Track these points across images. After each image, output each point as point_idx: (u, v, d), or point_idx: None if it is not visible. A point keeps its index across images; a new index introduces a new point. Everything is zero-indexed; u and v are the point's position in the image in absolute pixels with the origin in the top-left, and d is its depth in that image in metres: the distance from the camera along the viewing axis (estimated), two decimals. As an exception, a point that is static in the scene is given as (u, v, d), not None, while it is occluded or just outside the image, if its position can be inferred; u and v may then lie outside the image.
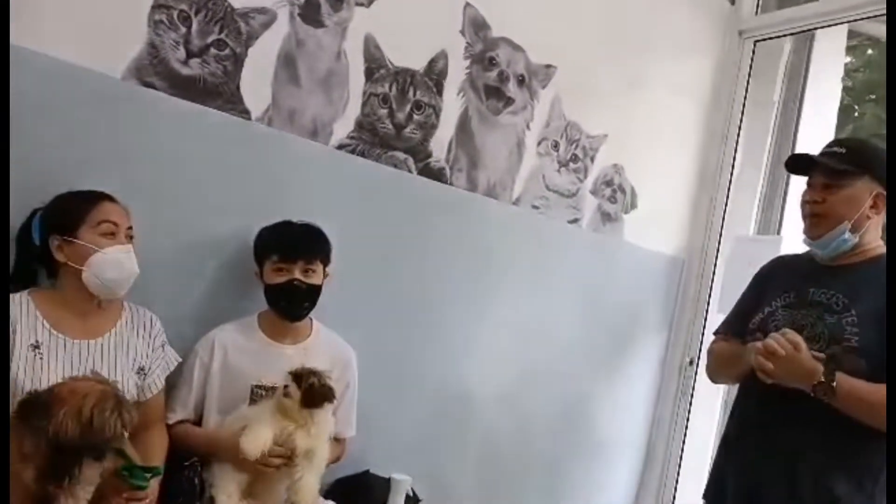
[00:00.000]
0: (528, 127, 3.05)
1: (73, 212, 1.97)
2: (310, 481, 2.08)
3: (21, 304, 1.93)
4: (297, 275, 2.24)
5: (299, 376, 2.04)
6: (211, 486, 2.08)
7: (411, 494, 2.51)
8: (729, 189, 3.61)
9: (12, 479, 1.66)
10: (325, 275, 2.33)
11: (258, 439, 2.00)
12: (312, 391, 2.04)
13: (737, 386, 2.27)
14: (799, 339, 1.93)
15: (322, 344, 2.38)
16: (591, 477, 3.45)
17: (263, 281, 2.27)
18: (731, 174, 3.61)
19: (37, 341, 1.90)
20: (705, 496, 2.27)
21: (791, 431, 2.01)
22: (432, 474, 2.80)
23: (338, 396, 2.17)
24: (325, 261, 2.33)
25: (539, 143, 3.10)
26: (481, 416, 3.03)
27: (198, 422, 2.24)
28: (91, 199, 1.99)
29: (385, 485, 2.48)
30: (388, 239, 2.73)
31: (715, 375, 2.40)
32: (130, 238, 2.03)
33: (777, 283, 2.21)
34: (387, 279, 2.74)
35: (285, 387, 2.04)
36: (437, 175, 2.83)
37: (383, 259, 2.73)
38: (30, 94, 2.03)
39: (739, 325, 2.24)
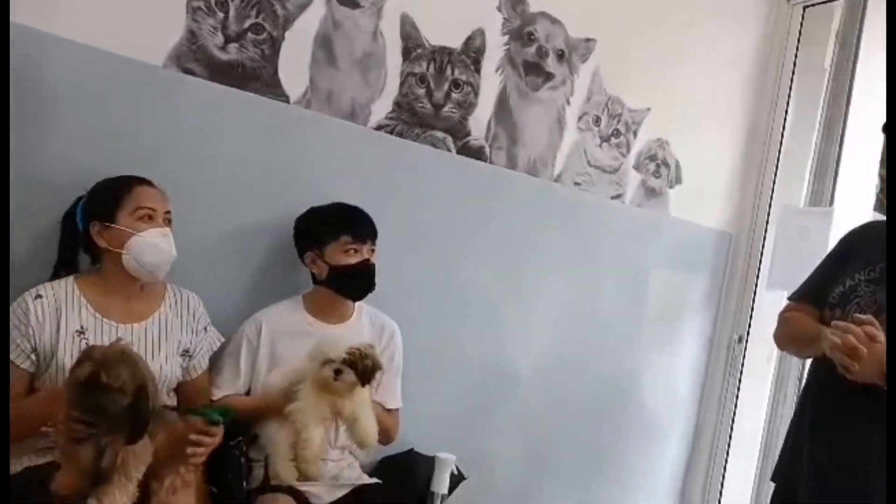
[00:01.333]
0: (568, 102, 3.01)
1: (110, 198, 2.01)
2: (365, 423, 2.11)
3: (66, 290, 1.98)
4: (367, 255, 2.27)
5: (353, 362, 2.04)
6: (266, 455, 2.12)
7: (455, 473, 2.51)
8: (778, 160, 3.50)
9: (65, 462, 1.72)
10: None
11: (314, 444, 2.04)
12: (367, 372, 2.07)
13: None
14: (876, 330, 1.76)
15: (365, 321, 2.41)
16: (638, 457, 3.42)
17: (326, 262, 2.28)
18: (780, 145, 3.50)
19: (82, 327, 1.95)
20: (774, 478, 2.16)
21: (865, 419, 1.86)
22: (476, 453, 2.81)
23: (387, 368, 2.21)
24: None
25: (580, 119, 3.05)
26: (525, 394, 3.02)
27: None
28: (128, 185, 2.03)
29: (429, 463, 2.49)
30: (429, 219, 2.74)
31: (784, 346, 2.26)
32: (169, 222, 2.07)
33: (863, 253, 2.01)
34: (428, 258, 2.75)
35: (337, 371, 2.04)
36: (476, 153, 2.81)
37: (424, 239, 2.73)
38: (70, 83, 2.08)
39: (818, 293, 2.06)
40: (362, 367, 2.05)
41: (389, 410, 2.40)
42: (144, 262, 1.99)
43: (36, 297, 1.93)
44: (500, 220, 2.89)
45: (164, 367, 2.03)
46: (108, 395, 1.65)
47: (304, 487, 2.12)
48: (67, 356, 1.90)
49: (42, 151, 2.07)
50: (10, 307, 1.91)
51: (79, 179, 2.04)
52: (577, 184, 3.07)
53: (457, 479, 2.54)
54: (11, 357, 1.88)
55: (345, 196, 2.39)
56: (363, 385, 2.07)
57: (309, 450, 2.04)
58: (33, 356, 1.90)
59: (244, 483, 2.05)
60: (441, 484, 2.45)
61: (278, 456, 2.09)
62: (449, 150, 2.75)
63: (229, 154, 2.35)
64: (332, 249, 2.29)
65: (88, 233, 2.00)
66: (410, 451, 2.60)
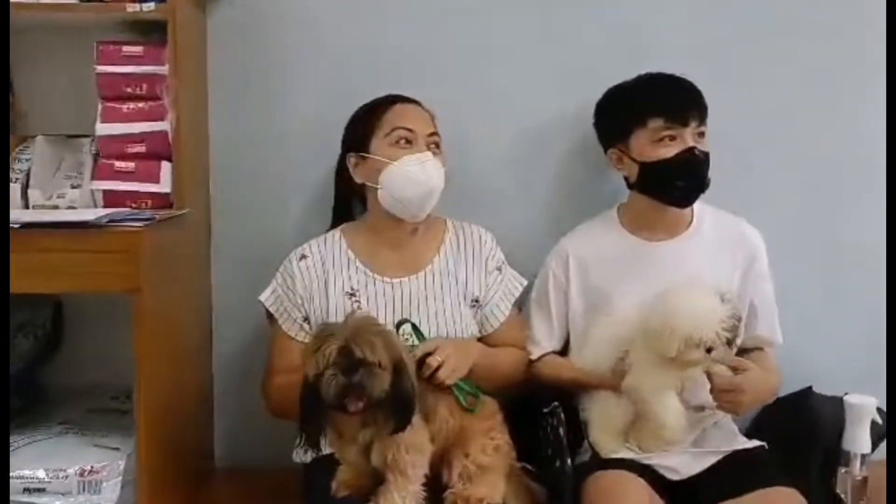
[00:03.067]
0: None
1: (363, 121, 1.68)
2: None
3: (333, 245, 1.70)
4: (691, 142, 1.65)
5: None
6: (585, 421, 1.69)
7: (879, 423, 1.76)
8: None
9: (342, 458, 1.45)
10: None
11: (678, 424, 1.57)
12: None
13: None
14: None
15: (709, 232, 1.76)
16: None
17: (634, 159, 1.70)
18: None
19: (352, 288, 1.65)
20: None
21: None
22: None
23: (758, 296, 1.74)
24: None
25: None
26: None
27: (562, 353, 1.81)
28: (381, 105, 1.68)
29: (837, 409, 1.77)
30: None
31: None
32: (436, 146, 1.66)
33: None
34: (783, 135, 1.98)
35: (709, 350, 1.51)
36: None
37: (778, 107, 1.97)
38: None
39: None
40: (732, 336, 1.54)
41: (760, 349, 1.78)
42: (401, 197, 1.61)
43: (301, 259, 1.68)
44: None
45: (453, 324, 1.64)
46: (369, 372, 1.30)
47: (652, 461, 1.60)
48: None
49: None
50: (278, 272, 1.69)
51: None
52: None
53: (884, 429, 1.79)
54: (284, 328, 1.66)
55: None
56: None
57: (667, 430, 1.57)
58: (307, 325, 1.65)
59: (568, 458, 1.57)
60: (857, 440, 1.72)
61: (596, 425, 1.65)
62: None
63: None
64: (639, 140, 1.68)
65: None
66: (808, 391, 1.89)
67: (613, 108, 1.75)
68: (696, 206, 1.77)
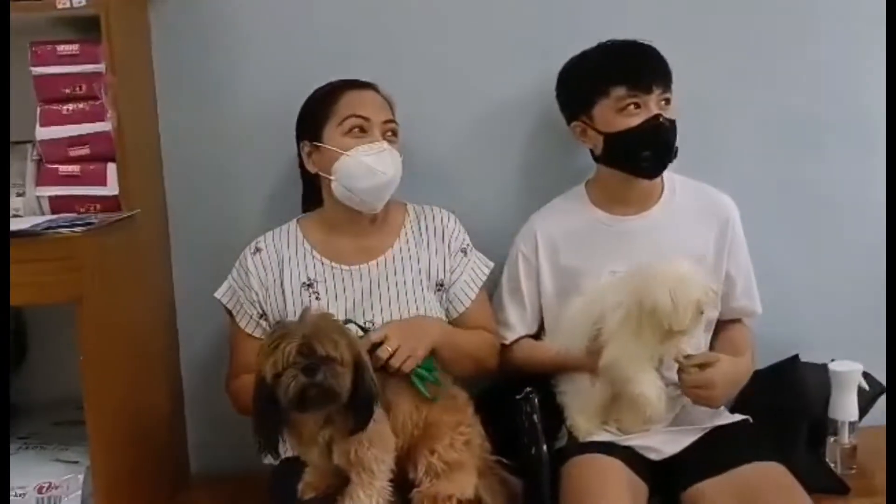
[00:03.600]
0: None
1: (315, 108, 1.61)
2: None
3: (289, 236, 1.64)
4: (656, 109, 1.58)
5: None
6: (562, 406, 1.63)
7: (867, 389, 1.70)
8: None
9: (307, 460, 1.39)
10: None
11: (660, 401, 1.51)
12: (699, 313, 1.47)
13: None
14: None
15: (681, 204, 1.70)
16: None
17: (598, 130, 1.64)
18: None
19: (308, 278, 1.59)
20: None
21: None
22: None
23: (734, 266, 1.70)
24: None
25: None
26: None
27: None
28: (335, 91, 1.60)
29: (823, 376, 1.72)
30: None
31: None
32: (393, 133, 1.60)
33: None
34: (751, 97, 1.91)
35: None
36: None
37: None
38: None
39: None
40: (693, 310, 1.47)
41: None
42: (354, 188, 1.55)
43: (255, 252, 1.63)
44: None
45: (416, 310, 1.58)
46: (332, 371, 1.24)
47: (632, 442, 1.55)
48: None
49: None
50: (234, 267, 1.64)
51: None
52: None
53: (873, 395, 1.73)
54: (241, 325, 1.61)
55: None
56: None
57: (650, 408, 1.51)
58: (263, 322, 1.60)
59: (543, 445, 1.52)
60: (844, 408, 1.67)
61: (573, 409, 1.60)
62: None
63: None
64: (602, 110, 1.61)
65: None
66: (793, 361, 1.83)
67: (574, 79, 1.68)
68: (666, 176, 1.70)
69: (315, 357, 1.23)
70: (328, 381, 1.23)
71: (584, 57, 1.68)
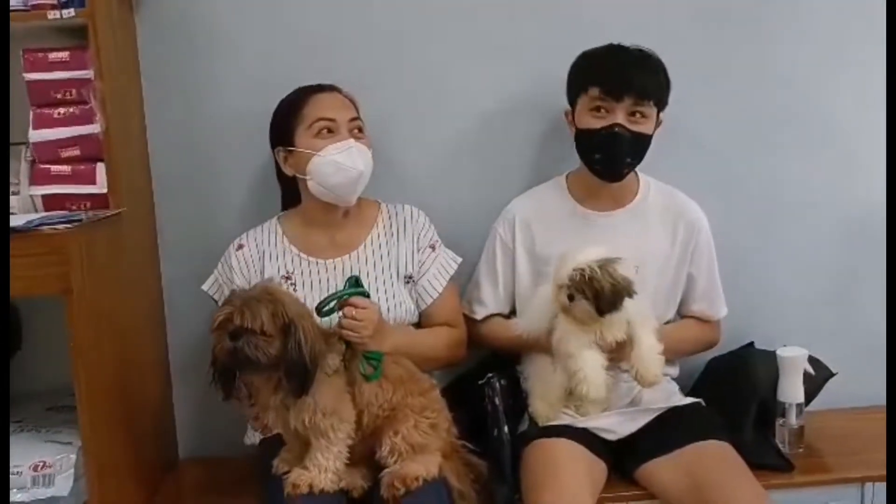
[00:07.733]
0: None
1: (284, 116, 1.71)
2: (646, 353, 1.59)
3: (269, 233, 1.75)
4: (621, 118, 1.66)
5: (580, 286, 1.53)
6: (526, 391, 1.74)
7: (812, 374, 1.80)
8: None
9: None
10: (658, 123, 1.72)
11: (589, 377, 1.57)
12: (601, 298, 1.52)
13: None
14: None
15: (653, 207, 1.80)
16: None
17: (575, 125, 1.74)
18: None
19: (287, 271, 1.70)
20: None
21: None
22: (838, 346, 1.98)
23: (695, 269, 1.79)
24: (661, 104, 1.70)
25: None
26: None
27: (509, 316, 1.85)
28: (300, 98, 1.70)
29: (772, 362, 1.82)
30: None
31: None
32: (359, 130, 1.69)
33: None
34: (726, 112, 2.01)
35: (569, 297, 1.55)
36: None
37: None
38: None
39: None
40: (592, 292, 1.51)
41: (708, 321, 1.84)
42: (328, 184, 1.65)
43: (238, 248, 1.74)
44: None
45: (386, 300, 1.69)
46: (249, 339, 1.36)
47: (588, 424, 1.65)
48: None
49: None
50: (220, 261, 1.74)
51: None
52: None
53: (820, 380, 1.84)
54: None
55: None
56: (601, 315, 1.53)
57: (585, 385, 1.57)
58: None
59: (505, 427, 1.62)
60: (791, 391, 1.77)
61: (534, 394, 1.68)
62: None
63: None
64: (580, 106, 1.71)
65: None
66: (748, 348, 1.94)
67: (574, 69, 1.75)
68: (642, 179, 1.80)
69: (235, 326, 1.36)
70: (245, 349, 1.35)
71: (587, 53, 1.73)
